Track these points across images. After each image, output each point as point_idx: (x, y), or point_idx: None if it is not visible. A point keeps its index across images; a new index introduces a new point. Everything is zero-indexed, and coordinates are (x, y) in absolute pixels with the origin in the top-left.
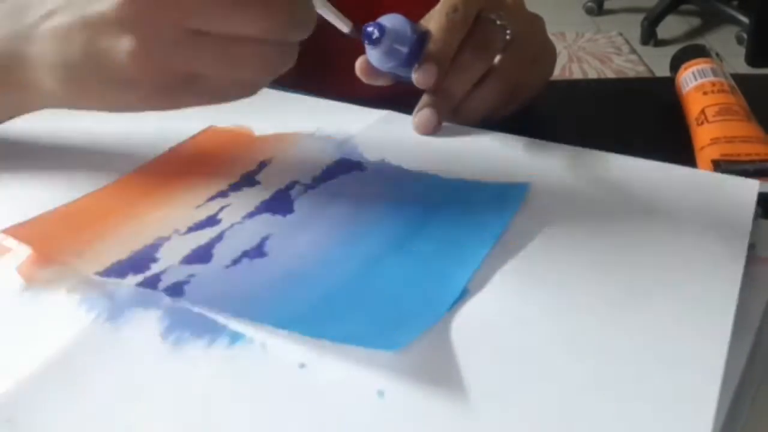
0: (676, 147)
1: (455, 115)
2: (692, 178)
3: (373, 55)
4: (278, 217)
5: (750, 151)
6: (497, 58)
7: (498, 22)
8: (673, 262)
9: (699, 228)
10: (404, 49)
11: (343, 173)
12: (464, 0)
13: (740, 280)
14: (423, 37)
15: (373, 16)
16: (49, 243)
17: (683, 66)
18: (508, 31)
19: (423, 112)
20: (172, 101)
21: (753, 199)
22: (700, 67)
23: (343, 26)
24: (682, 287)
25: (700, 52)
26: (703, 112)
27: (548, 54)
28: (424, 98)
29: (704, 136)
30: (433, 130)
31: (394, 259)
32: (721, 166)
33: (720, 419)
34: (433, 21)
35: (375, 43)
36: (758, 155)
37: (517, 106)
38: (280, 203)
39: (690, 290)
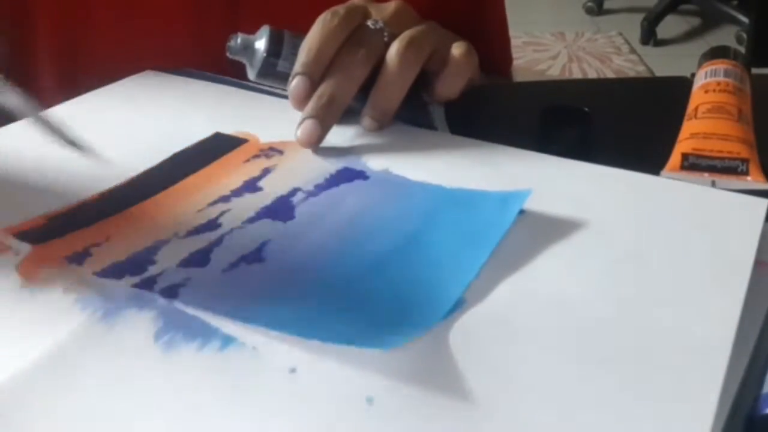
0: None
1: (366, 120)
2: (699, 194)
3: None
4: (278, 223)
5: (722, 148)
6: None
7: (373, 27)
8: (675, 274)
9: (703, 244)
10: (258, 62)
11: (346, 182)
12: (345, 7)
13: (744, 293)
14: (282, 43)
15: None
16: (50, 242)
17: (701, 66)
18: (385, 33)
19: (304, 124)
20: None
21: (761, 216)
22: (714, 67)
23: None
24: (684, 299)
25: (723, 53)
26: (696, 108)
27: (446, 50)
28: (307, 108)
29: (687, 130)
30: (318, 141)
31: (391, 268)
32: (689, 159)
33: (719, 424)
34: (311, 29)
35: (231, 53)
36: (729, 153)
37: (438, 102)
38: (281, 209)
39: (692, 302)
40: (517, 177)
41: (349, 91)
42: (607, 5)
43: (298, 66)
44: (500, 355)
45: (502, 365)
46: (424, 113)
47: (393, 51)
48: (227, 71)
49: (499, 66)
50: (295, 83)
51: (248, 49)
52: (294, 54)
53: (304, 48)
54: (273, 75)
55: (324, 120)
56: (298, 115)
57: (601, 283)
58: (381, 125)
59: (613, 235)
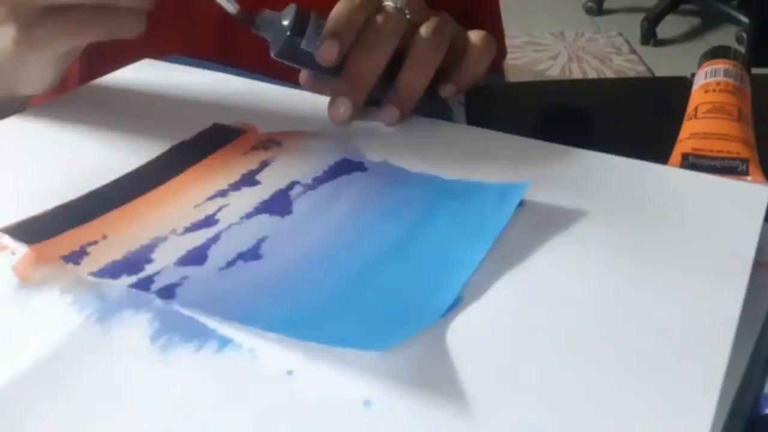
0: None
1: (388, 108)
2: (700, 182)
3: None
4: (276, 218)
5: (722, 148)
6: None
7: (395, 5)
8: (675, 267)
9: (705, 233)
10: (281, 39)
11: (344, 174)
12: None
13: (746, 286)
14: (307, 23)
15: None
16: (47, 242)
17: (701, 66)
18: (407, 12)
19: (336, 101)
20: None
21: (763, 205)
22: (714, 67)
23: (230, 8)
24: (685, 293)
25: (723, 53)
26: (696, 108)
27: (464, 38)
28: (337, 87)
29: (686, 130)
30: (348, 117)
31: (390, 264)
32: (689, 159)
33: (719, 424)
34: (335, 7)
35: (255, 29)
36: (729, 153)
37: (457, 88)
38: (278, 204)
39: (693, 295)
40: (517, 165)
41: (377, 67)
42: (607, 5)
43: (327, 32)
44: (499, 353)
45: (500, 364)
46: (445, 110)
47: (421, 35)
48: None
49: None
50: (326, 45)
51: (273, 25)
52: (317, 35)
53: (332, 18)
54: (294, 54)
55: (354, 97)
56: (297, 105)
57: (601, 280)
58: (403, 114)
59: (613, 226)
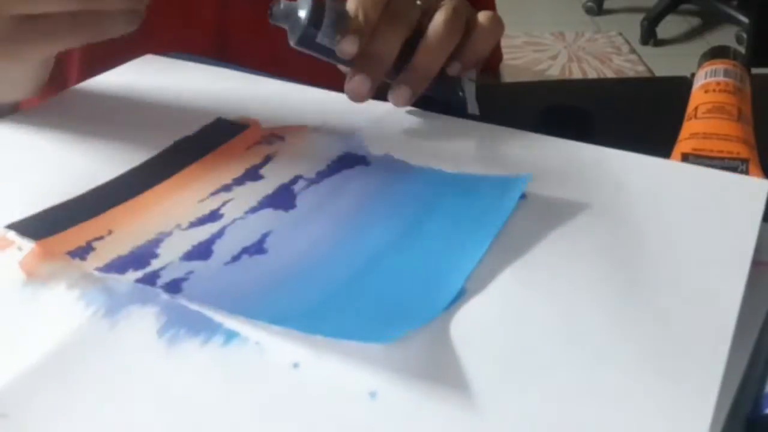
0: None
1: (401, 88)
2: (700, 176)
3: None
4: (280, 213)
5: (722, 148)
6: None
7: None
8: (675, 265)
9: (704, 229)
10: (298, 30)
11: (347, 167)
12: None
13: (745, 280)
14: (323, 13)
15: None
16: (53, 237)
17: (701, 66)
18: None
19: (354, 78)
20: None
21: (762, 199)
22: (714, 67)
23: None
24: (685, 287)
25: (723, 53)
26: (696, 108)
27: (474, 19)
28: (355, 66)
29: (687, 130)
30: (366, 94)
31: (393, 257)
32: (689, 159)
33: (719, 424)
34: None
35: (272, 20)
36: (729, 153)
37: (463, 66)
38: (282, 198)
39: (693, 290)
40: (519, 159)
41: (393, 50)
42: (607, 5)
43: (351, 29)
44: (502, 345)
45: (503, 356)
46: (456, 88)
47: (439, 17)
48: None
49: (489, 62)
50: (346, 41)
51: (290, 16)
52: (334, 25)
53: (355, 14)
54: (312, 44)
55: (372, 74)
56: (300, 100)
57: (600, 274)
58: (413, 95)
59: (613, 219)
